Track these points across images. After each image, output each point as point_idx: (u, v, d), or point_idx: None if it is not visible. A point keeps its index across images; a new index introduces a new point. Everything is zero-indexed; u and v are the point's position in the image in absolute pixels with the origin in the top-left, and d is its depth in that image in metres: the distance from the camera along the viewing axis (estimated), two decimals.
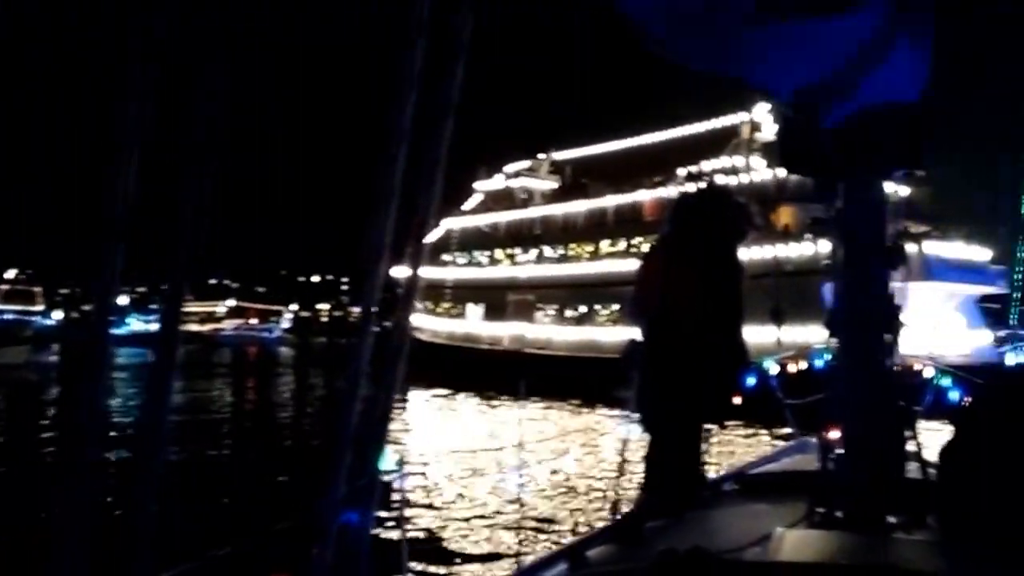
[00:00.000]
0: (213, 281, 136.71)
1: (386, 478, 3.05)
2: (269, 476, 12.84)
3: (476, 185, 50.08)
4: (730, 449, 14.99)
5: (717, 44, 1.96)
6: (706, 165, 35.89)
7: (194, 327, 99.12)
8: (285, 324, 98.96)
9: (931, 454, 2.93)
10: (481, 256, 48.13)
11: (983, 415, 2.89)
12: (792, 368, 6.38)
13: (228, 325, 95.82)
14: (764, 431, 16.96)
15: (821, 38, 2.03)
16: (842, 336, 2.97)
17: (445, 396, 29.73)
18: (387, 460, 3.08)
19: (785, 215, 30.73)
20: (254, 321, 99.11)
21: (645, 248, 35.38)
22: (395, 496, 3.22)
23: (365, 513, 2.80)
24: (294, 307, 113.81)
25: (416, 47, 1.12)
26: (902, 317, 3.05)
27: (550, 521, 10.41)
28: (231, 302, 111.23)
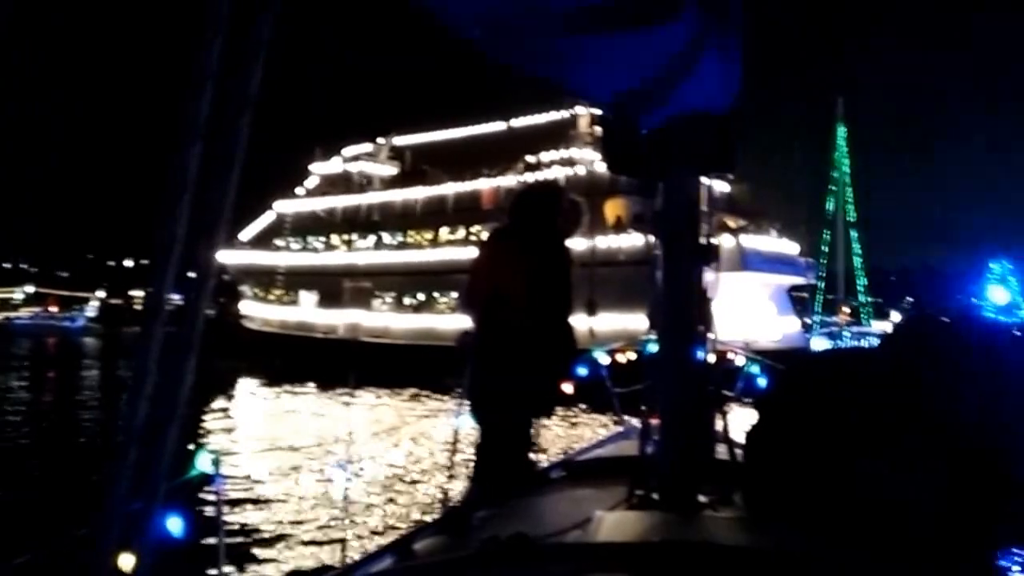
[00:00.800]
0: (8, 265, 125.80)
1: (200, 479, 2.92)
2: (67, 478, 11.96)
3: (312, 168, 48.76)
4: (563, 437, 15.45)
5: (533, 51, 1.99)
6: (544, 156, 36.62)
7: None
8: (90, 312, 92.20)
9: (740, 436, 3.12)
10: (316, 241, 46.97)
11: (782, 399, 3.11)
12: (621, 358, 6.63)
13: (24, 313, 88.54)
14: (597, 419, 17.60)
15: (634, 49, 2.11)
16: (660, 327, 3.11)
17: (276, 387, 28.88)
18: (202, 460, 2.95)
19: (617, 208, 31.92)
20: (54, 309, 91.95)
21: (484, 236, 35.86)
22: (211, 497, 3.08)
23: (173, 517, 2.67)
24: (101, 294, 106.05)
25: (213, 45, 1.07)
26: (715, 309, 3.24)
27: (380, 516, 10.33)
28: (30, 288, 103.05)
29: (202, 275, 1.18)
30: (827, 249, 66.05)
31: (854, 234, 67.41)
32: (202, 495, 3.27)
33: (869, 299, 67.92)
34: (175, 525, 2.70)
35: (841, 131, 67.45)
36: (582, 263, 4.14)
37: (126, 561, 2.60)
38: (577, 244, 4.20)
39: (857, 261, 67.12)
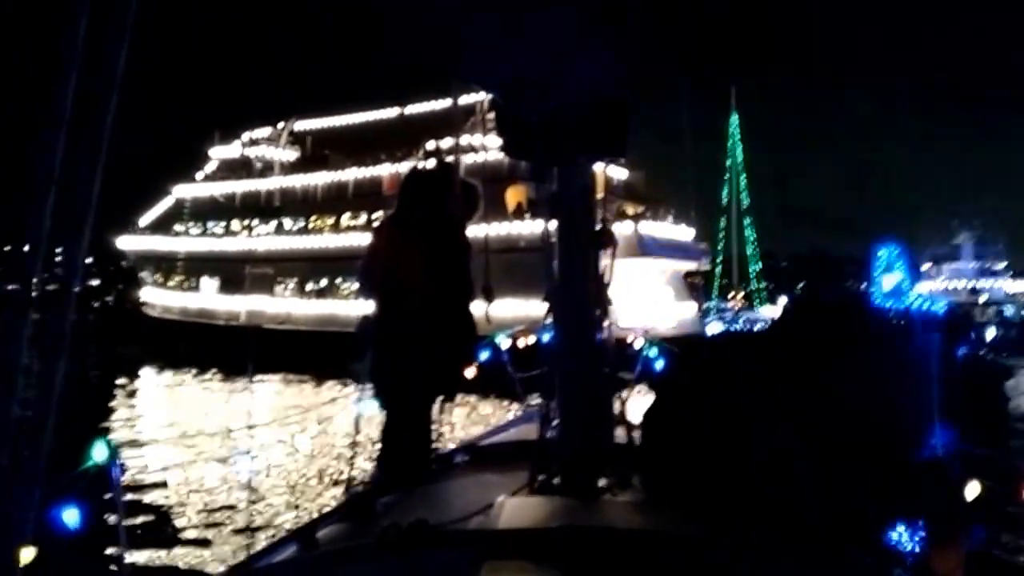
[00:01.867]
0: None
1: (97, 469, 2.86)
2: None
3: (212, 152, 47.24)
4: (466, 421, 15.53)
5: (424, 37, 2.03)
6: (444, 143, 36.48)
7: None
8: None
9: (637, 419, 3.24)
10: (216, 227, 45.58)
11: (676, 382, 3.25)
12: (522, 342, 6.74)
13: None
14: (500, 403, 17.75)
15: (522, 34, 2.17)
16: (557, 312, 3.20)
17: (178, 374, 28.01)
18: (97, 450, 2.89)
19: (517, 194, 32.07)
20: None
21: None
22: (110, 488, 3.02)
23: (78, 507, 2.61)
24: None
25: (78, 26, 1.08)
26: (611, 293, 3.35)
27: (283, 504, 10.22)
28: None
29: (70, 264, 1.18)
30: (722, 235, 68.23)
31: (747, 220, 69.75)
32: (100, 485, 3.20)
33: (762, 285, 70.49)
34: (72, 516, 2.65)
35: (734, 119, 69.59)
36: (480, 248, 4.19)
37: (24, 554, 2.54)
38: (475, 229, 4.23)
39: (750, 248, 69.51)
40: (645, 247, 31.21)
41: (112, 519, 3.01)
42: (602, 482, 2.98)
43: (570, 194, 3.06)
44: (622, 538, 2.27)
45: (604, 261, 3.20)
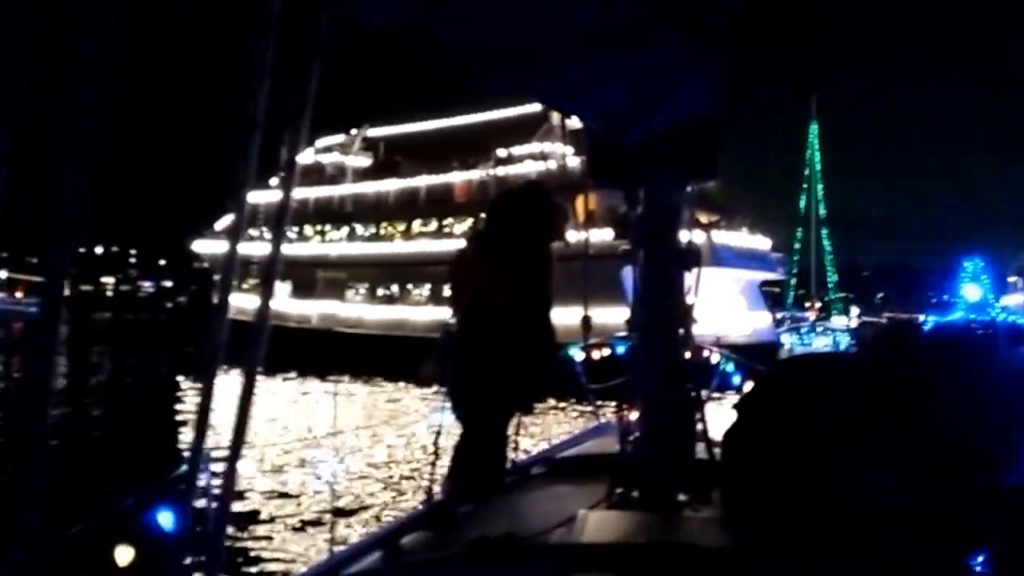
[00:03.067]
0: None
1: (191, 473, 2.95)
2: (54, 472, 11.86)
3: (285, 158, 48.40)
4: (538, 431, 15.55)
5: (524, 74, 2.06)
6: (516, 150, 36.63)
7: None
8: None
9: (717, 434, 3.22)
10: (289, 232, 46.67)
11: (761, 402, 3.21)
12: (596, 355, 6.73)
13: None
14: (570, 414, 17.73)
15: (619, 68, 2.19)
16: (640, 330, 3.20)
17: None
18: (201, 457, 2.99)
19: (588, 202, 32.00)
20: (19, 295, 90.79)
21: (456, 229, 35.54)
22: (202, 490, 3.12)
23: (173, 509, 2.72)
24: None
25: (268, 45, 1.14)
26: (693, 312, 3.34)
27: (363, 509, 10.40)
28: (3, 274, 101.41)
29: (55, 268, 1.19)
30: (799, 245, 66.91)
31: (825, 231, 68.25)
32: (193, 489, 3.30)
33: (839, 295, 68.83)
34: (166, 519, 2.75)
35: (814, 128, 68.21)
36: (561, 257, 4.21)
37: (122, 554, 2.65)
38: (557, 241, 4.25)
39: (828, 257, 67.98)
40: (719, 257, 30.78)
41: (202, 522, 3.11)
42: (682, 497, 2.97)
43: (657, 215, 3.07)
44: (703, 554, 2.26)
45: (688, 280, 3.20)
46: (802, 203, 67.87)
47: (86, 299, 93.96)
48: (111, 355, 36.25)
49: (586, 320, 4.10)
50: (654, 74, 2.34)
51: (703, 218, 33.09)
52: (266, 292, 1.31)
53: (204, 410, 1.65)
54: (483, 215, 4.32)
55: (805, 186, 67.87)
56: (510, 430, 4.05)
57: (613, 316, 3.37)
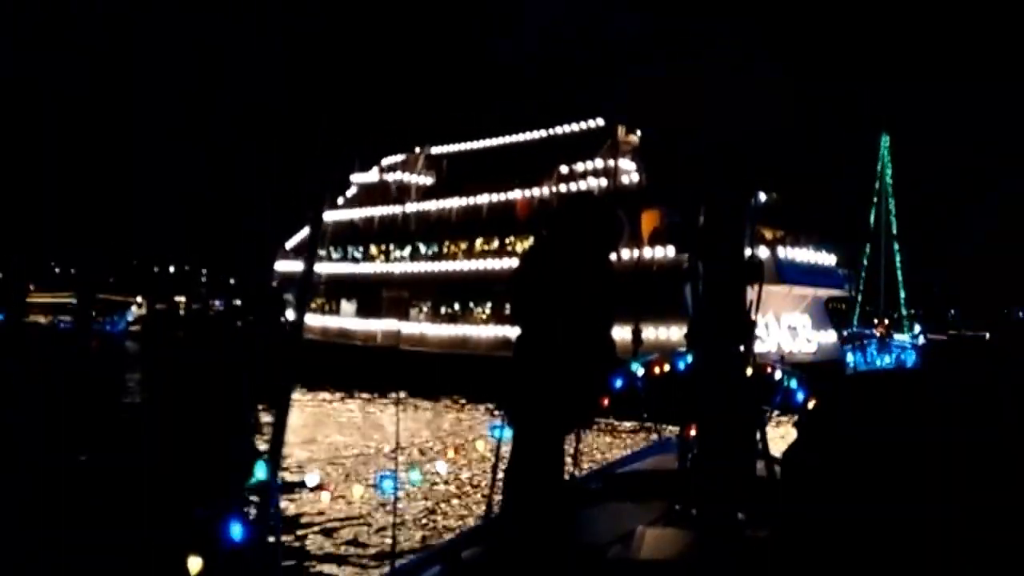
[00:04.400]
0: (58, 270, 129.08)
1: (260, 486, 3.05)
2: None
3: (352, 178, 49.29)
4: (596, 446, 15.47)
5: (589, 87, 2.11)
6: (578, 166, 36.64)
7: (41, 319, 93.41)
8: (130, 317, 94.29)
9: (778, 452, 3.18)
10: (355, 251, 47.43)
11: (821, 421, 3.16)
12: (656, 370, 6.69)
13: (67, 317, 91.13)
14: (629, 430, 17.58)
15: (682, 80, 2.21)
16: (701, 346, 3.19)
17: (318, 393, 29.23)
18: (260, 469, 3.09)
19: (651, 219, 31.84)
20: (93, 314, 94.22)
21: (519, 247, 35.61)
22: (269, 504, 3.21)
23: (241, 522, 2.81)
24: (139, 299, 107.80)
25: None
26: (755, 328, 3.32)
27: (425, 524, 10.50)
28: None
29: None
30: (867, 262, 65.26)
31: (895, 246, 66.45)
32: (261, 502, 3.40)
33: (909, 312, 66.83)
34: (236, 530, 2.85)
35: (885, 140, 66.60)
36: (621, 273, 4.21)
37: (193, 563, 2.75)
38: (623, 255, 4.27)
39: (898, 273, 66.14)
40: (783, 273, 30.26)
41: (270, 533, 3.20)
42: (740, 516, 2.94)
43: (718, 228, 3.06)
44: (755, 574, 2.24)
45: (750, 294, 3.18)
46: (872, 218, 66.24)
47: (162, 317, 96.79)
48: (184, 371, 37.25)
49: (636, 334, 4.09)
50: (715, 89, 2.36)
51: (768, 234, 32.65)
52: (300, 309, 1.36)
53: (279, 427, 1.72)
54: (542, 228, 4.35)
55: (876, 200, 66.25)
56: (570, 445, 4.06)
57: (675, 332, 3.36)
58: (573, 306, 3.89)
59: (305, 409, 26.46)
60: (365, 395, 28.56)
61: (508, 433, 4.15)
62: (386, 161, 48.42)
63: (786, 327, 32.02)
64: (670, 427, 4.59)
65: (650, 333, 26.38)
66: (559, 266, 3.98)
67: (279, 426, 2.06)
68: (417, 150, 48.55)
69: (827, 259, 35.97)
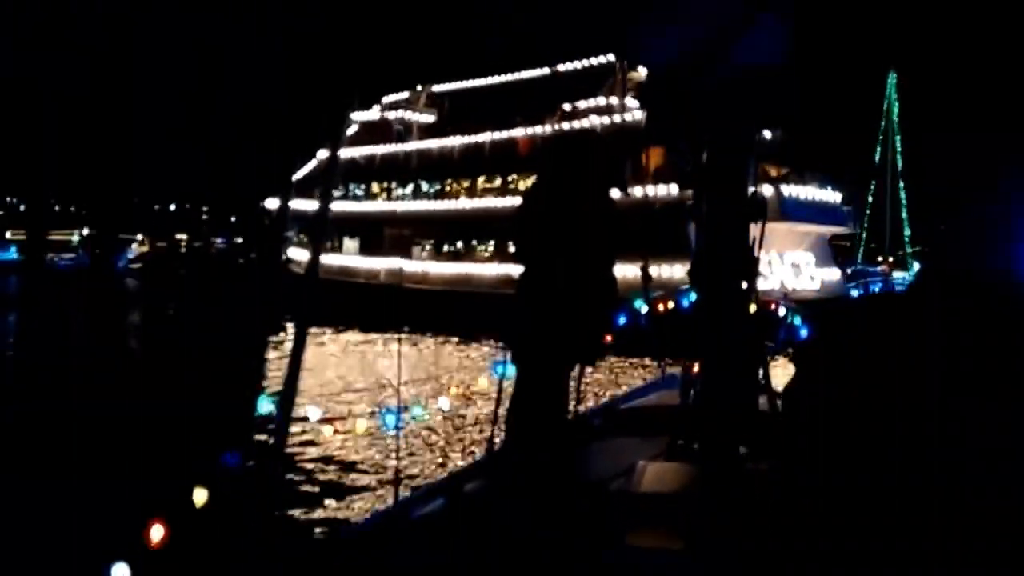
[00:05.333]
0: (58, 208, 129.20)
1: (263, 421, 3.08)
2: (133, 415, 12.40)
3: (353, 116, 48.75)
4: (600, 382, 15.61)
5: (595, 28, 2.05)
6: (581, 104, 36.18)
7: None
8: (130, 254, 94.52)
9: (781, 388, 3.19)
10: (357, 189, 47.22)
11: (817, 352, 3.16)
12: (660, 307, 6.70)
13: (68, 255, 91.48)
14: (633, 365, 17.72)
15: (689, 14, 2.15)
16: (704, 283, 3.17)
17: (323, 330, 29.43)
18: (264, 404, 3.12)
19: (656, 156, 31.54)
20: (97, 251, 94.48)
21: (521, 185, 35.42)
22: (273, 438, 3.24)
23: (243, 456, 2.84)
24: (139, 236, 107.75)
25: None
26: (760, 265, 3.30)
27: (428, 459, 10.66)
28: (86, 231, 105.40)
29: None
30: (871, 199, 64.87)
31: (901, 184, 65.94)
32: (264, 436, 3.44)
33: (914, 249, 66.67)
34: (238, 462, 2.88)
35: (892, 77, 65.58)
36: (626, 210, 4.16)
37: (199, 495, 2.79)
38: (617, 193, 4.21)
39: (904, 211, 65.75)
40: (787, 210, 30.11)
41: (273, 467, 3.24)
42: (743, 450, 2.97)
43: (723, 164, 3.02)
44: (758, 508, 2.25)
45: (753, 230, 3.15)
46: (878, 155, 65.59)
47: (163, 255, 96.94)
48: (189, 310, 37.42)
49: (645, 271, 4.08)
50: (718, 24, 2.30)
51: (772, 171, 32.39)
52: (315, 249, 1.34)
53: (295, 364, 1.72)
54: (541, 166, 4.31)
55: (881, 137, 65.51)
56: (572, 382, 4.08)
57: (678, 270, 3.34)
58: (574, 245, 3.87)
59: (308, 345, 26.63)
60: (368, 333, 28.76)
61: (511, 370, 4.16)
62: (387, 99, 47.85)
63: (789, 264, 31.99)
64: (674, 363, 4.60)
65: (653, 271, 26.34)
66: (558, 206, 3.94)
67: (295, 361, 2.06)
68: (419, 88, 47.92)
69: (832, 196, 35.76)
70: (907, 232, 65.82)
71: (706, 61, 2.58)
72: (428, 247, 41.67)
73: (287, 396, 2.24)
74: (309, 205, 49.05)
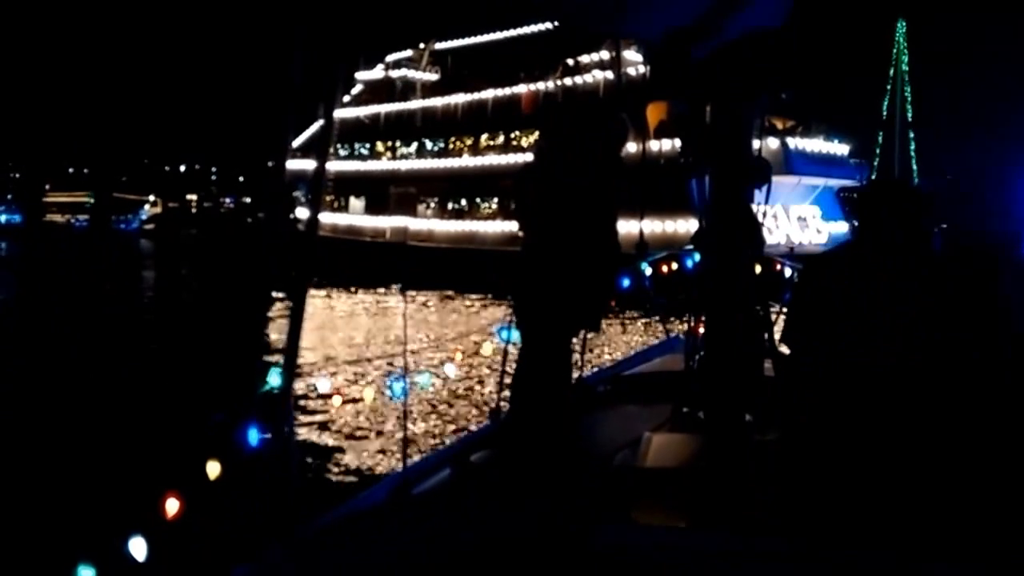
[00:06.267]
0: (71, 170, 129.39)
1: (273, 392, 3.09)
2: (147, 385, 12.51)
3: (357, 75, 48.32)
4: (608, 338, 15.64)
5: (591, 11, 2.01)
6: (583, 59, 35.73)
7: (57, 218, 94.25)
8: (143, 215, 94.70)
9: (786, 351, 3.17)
10: (362, 148, 46.98)
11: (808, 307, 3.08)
12: (664, 269, 6.68)
13: (83, 216, 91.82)
14: (639, 327, 17.75)
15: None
16: (707, 247, 3.15)
17: (332, 289, 29.51)
18: (273, 376, 3.13)
19: (658, 111, 31.10)
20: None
21: (524, 142, 35.06)
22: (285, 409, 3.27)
23: (258, 428, 2.86)
24: (152, 198, 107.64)
25: None
26: (763, 226, 3.27)
27: (434, 427, 10.75)
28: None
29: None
30: (879, 151, 64.22)
31: (911, 133, 65.15)
32: (276, 407, 3.45)
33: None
34: (252, 436, 2.90)
35: (901, 26, 64.50)
36: (630, 168, 4.13)
37: (212, 468, 2.81)
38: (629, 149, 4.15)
39: (914, 163, 65.06)
40: (792, 164, 29.84)
41: (284, 437, 3.26)
42: (748, 417, 2.97)
43: (726, 132, 2.98)
44: (767, 481, 2.26)
45: (757, 194, 3.12)
46: (885, 106, 64.74)
47: (175, 216, 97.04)
48: (199, 271, 37.55)
49: (640, 236, 4.05)
50: None
51: (778, 124, 32.04)
52: (314, 207, 1.34)
53: (295, 327, 1.72)
54: (543, 130, 4.27)
55: (889, 88, 64.60)
56: (576, 347, 4.08)
57: (682, 226, 3.29)
58: (575, 212, 3.85)
59: (315, 307, 26.75)
60: (376, 291, 28.85)
61: (515, 335, 4.17)
62: (390, 58, 47.37)
63: (795, 218, 31.80)
64: (679, 326, 4.59)
65: (656, 227, 26.32)
66: (559, 173, 3.91)
67: (294, 331, 2.06)
68: (422, 46, 47.37)
69: (839, 149, 35.40)
70: (916, 183, 65.18)
71: (701, 32, 2.54)
72: (433, 205, 41.57)
73: (289, 366, 2.25)
74: (313, 165, 49.15)
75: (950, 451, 2.19)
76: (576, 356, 4.07)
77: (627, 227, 4.47)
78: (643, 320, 17.18)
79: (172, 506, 2.70)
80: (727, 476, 2.28)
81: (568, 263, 3.80)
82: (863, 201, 2.61)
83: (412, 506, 2.60)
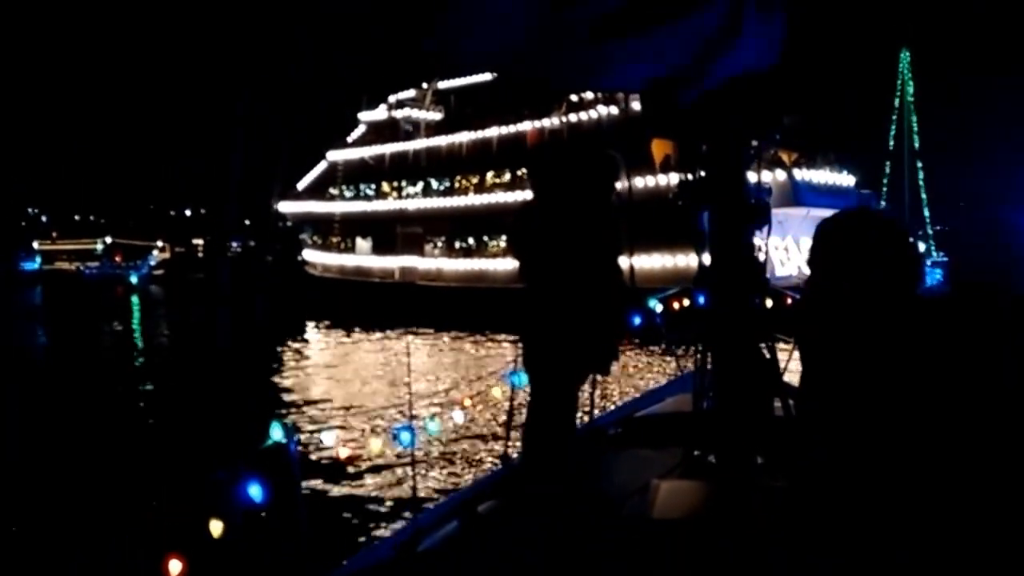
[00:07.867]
0: (77, 217, 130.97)
1: (276, 447, 3.06)
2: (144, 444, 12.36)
3: (360, 116, 48.83)
4: (618, 381, 15.53)
5: (559, 68, 1.99)
6: (588, 94, 35.98)
7: (66, 266, 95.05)
8: (152, 261, 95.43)
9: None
10: (368, 189, 47.32)
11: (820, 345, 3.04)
12: (675, 305, 6.66)
13: (93, 263, 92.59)
14: (652, 364, 17.64)
15: (666, 40, 2.09)
16: (710, 286, 3.12)
17: (338, 332, 29.52)
18: (275, 430, 3.10)
19: (662, 147, 31.27)
20: (119, 259, 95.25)
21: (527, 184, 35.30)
22: (289, 463, 3.23)
23: (260, 484, 2.82)
24: (160, 243, 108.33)
25: None
26: (766, 264, 3.24)
27: (444, 474, 10.67)
28: (108, 239, 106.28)
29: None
30: (886, 180, 64.28)
31: (919, 163, 65.21)
32: (278, 462, 3.42)
33: (935, 229, 65.92)
34: (255, 492, 2.87)
35: (905, 55, 64.93)
36: (622, 205, 4.11)
37: (215, 527, 2.77)
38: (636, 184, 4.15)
39: (923, 192, 64.99)
40: (800, 196, 29.88)
41: (290, 493, 3.22)
42: (760, 460, 2.91)
43: (722, 173, 2.96)
44: (778, 530, 2.21)
45: (759, 237, 3.10)
46: (892, 135, 64.90)
47: (182, 260, 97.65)
48: (207, 315, 37.67)
49: (631, 272, 4.01)
50: (698, 43, 2.24)
51: (784, 156, 32.13)
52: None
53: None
54: (541, 173, 4.25)
55: (895, 117, 64.82)
56: (587, 390, 4.03)
57: (693, 260, 3.22)
58: (575, 255, 3.82)
59: (325, 349, 26.73)
60: (385, 332, 28.83)
61: (524, 379, 4.12)
62: (393, 98, 47.85)
63: (806, 250, 31.70)
64: (691, 363, 4.54)
65: (667, 261, 26.30)
66: (553, 219, 3.89)
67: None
68: (424, 85, 47.85)
69: (846, 179, 35.45)
70: (926, 212, 65.02)
71: (684, 81, 2.52)
72: (440, 244, 41.71)
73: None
74: (320, 207, 49.25)
75: (970, 494, 2.13)
76: (587, 398, 4.03)
77: (643, 260, 4.44)
78: (659, 355, 17.06)
79: (175, 567, 2.66)
80: (736, 527, 2.23)
81: (570, 305, 3.77)
82: (824, 238, 2.46)
83: (418, 563, 2.55)
